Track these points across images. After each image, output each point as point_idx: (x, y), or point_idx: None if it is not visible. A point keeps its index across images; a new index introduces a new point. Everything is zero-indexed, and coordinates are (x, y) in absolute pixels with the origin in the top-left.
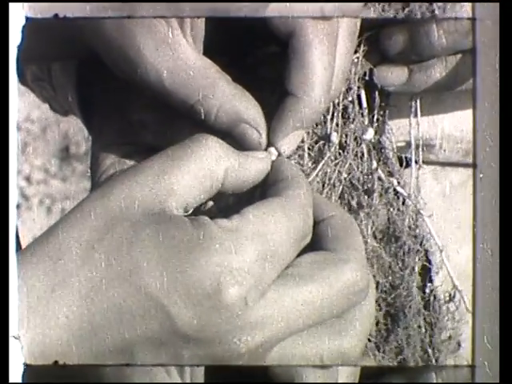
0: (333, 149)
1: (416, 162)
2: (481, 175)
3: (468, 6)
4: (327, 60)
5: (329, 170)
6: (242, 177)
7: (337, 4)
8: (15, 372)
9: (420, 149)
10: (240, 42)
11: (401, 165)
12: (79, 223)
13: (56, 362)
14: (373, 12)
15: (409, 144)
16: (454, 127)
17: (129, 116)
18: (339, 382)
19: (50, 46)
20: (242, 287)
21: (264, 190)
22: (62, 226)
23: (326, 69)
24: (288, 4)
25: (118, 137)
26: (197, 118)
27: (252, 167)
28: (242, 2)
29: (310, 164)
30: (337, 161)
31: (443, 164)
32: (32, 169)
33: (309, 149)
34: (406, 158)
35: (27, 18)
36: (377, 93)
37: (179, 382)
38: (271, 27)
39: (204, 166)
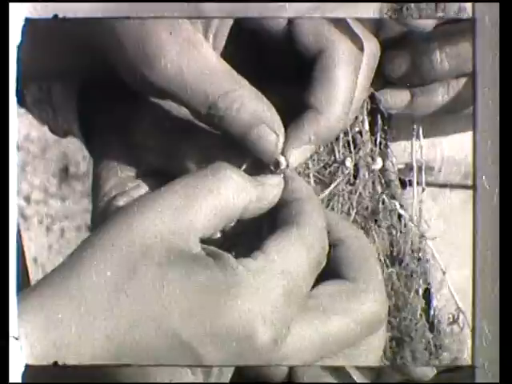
0: (347, 172)
1: (418, 184)
2: (487, 186)
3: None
4: (352, 80)
5: (341, 199)
6: (259, 208)
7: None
8: (15, 372)
9: (423, 172)
10: (257, 57)
11: (402, 187)
12: (102, 261)
13: (56, 362)
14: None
15: (408, 166)
16: (452, 150)
17: (131, 138)
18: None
19: (50, 59)
20: (272, 331)
21: (276, 207)
22: (83, 263)
23: (350, 89)
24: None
25: (120, 159)
26: (213, 118)
27: (269, 197)
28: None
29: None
30: (348, 189)
31: (442, 186)
32: (31, 188)
33: (314, 175)
34: (409, 181)
35: (27, 19)
36: (379, 116)
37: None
38: (299, 44)
39: (224, 201)
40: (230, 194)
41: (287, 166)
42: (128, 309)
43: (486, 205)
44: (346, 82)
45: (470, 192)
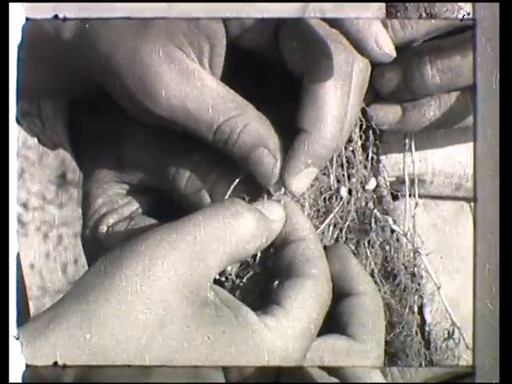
0: (341, 203)
1: (410, 196)
2: (482, 198)
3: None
4: (341, 98)
5: (331, 228)
6: (267, 243)
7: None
8: (15, 372)
9: (416, 186)
10: (253, 80)
11: (393, 200)
12: (127, 317)
13: (55, 362)
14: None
15: (399, 179)
16: (444, 162)
17: (122, 155)
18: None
19: (42, 81)
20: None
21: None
22: (103, 313)
23: (339, 106)
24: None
25: (110, 175)
26: (218, 142)
27: (273, 235)
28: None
29: (310, 212)
30: (340, 214)
31: (433, 198)
32: (29, 195)
33: (310, 199)
34: (401, 194)
35: (27, 19)
36: (370, 131)
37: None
38: (287, 64)
39: (239, 248)
40: (245, 240)
41: (292, 195)
42: (150, 364)
43: (486, 214)
44: (334, 100)
45: (462, 204)
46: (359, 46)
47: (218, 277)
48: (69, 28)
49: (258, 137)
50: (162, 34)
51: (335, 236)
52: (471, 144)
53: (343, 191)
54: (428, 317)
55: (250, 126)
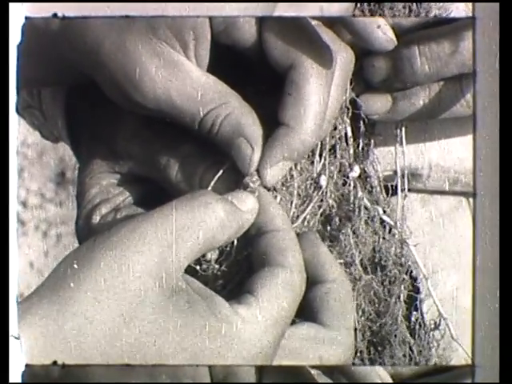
0: (320, 193)
1: (402, 191)
2: (482, 193)
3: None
4: (323, 95)
5: (316, 205)
6: (239, 234)
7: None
8: (15, 372)
9: (405, 177)
10: (238, 72)
11: (387, 193)
12: (100, 306)
13: (55, 362)
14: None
15: (396, 173)
16: (441, 157)
17: (115, 146)
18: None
19: (37, 70)
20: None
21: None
22: (77, 302)
23: (321, 103)
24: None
25: (104, 166)
26: (203, 130)
27: (246, 226)
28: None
29: (298, 201)
30: (321, 200)
31: (431, 192)
32: (28, 193)
33: (298, 187)
34: (391, 186)
35: (27, 18)
36: (361, 121)
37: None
38: (270, 60)
39: (208, 238)
40: (215, 230)
41: (264, 186)
42: (125, 355)
43: (486, 209)
44: (316, 96)
45: (460, 199)
46: (364, 33)
47: (198, 266)
48: (56, 21)
49: (238, 126)
50: (147, 27)
51: (317, 224)
52: (468, 138)
53: (323, 180)
54: (417, 308)
55: (231, 116)
